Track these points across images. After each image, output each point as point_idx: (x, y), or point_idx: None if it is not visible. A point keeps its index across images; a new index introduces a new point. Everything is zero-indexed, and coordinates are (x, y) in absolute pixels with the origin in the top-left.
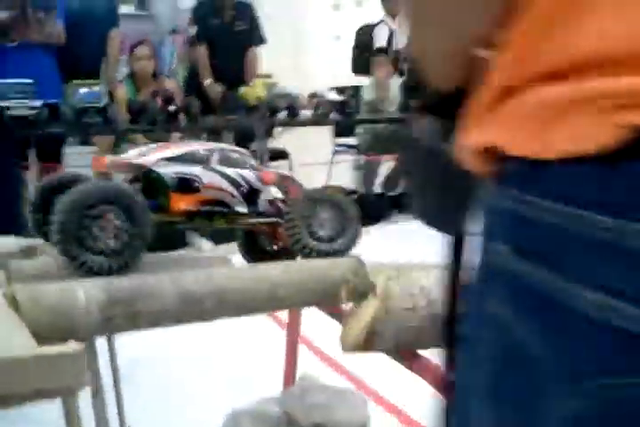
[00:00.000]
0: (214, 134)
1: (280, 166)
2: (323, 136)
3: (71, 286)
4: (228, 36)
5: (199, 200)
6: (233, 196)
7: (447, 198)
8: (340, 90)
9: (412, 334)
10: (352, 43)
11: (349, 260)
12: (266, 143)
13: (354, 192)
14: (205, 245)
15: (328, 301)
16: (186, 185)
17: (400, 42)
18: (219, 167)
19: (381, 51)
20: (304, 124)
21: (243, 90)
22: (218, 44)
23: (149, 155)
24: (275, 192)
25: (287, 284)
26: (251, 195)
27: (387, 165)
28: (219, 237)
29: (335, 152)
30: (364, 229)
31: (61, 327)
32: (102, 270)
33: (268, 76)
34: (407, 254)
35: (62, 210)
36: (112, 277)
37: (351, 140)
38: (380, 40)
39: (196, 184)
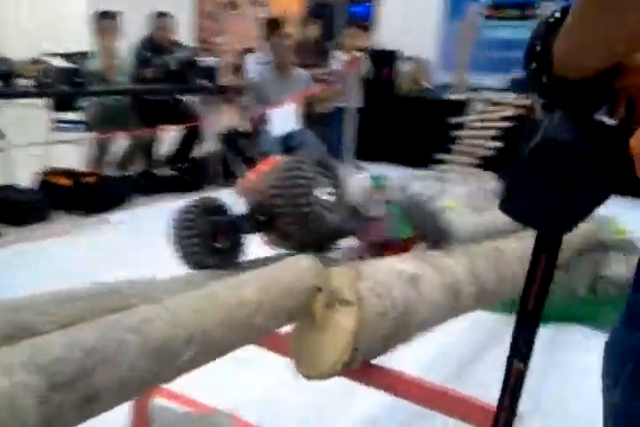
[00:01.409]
0: None
1: None
2: (38, 110)
3: None
4: None
5: None
6: None
7: (569, 196)
8: (67, 56)
9: (380, 343)
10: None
11: (307, 261)
12: None
13: (93, 174)
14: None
15: (301, 315)
16: None
17: None
18: None
19: (107, 14)
20: (24, 95)
21: None
22: None
23: None
24: None
25: (263, 307)
26: None
27: (119, 143)
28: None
29: (55, 129)
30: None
31: None
32: None
33: None
34: None
35: None
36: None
37: (74, 115)
38: None
39: None
